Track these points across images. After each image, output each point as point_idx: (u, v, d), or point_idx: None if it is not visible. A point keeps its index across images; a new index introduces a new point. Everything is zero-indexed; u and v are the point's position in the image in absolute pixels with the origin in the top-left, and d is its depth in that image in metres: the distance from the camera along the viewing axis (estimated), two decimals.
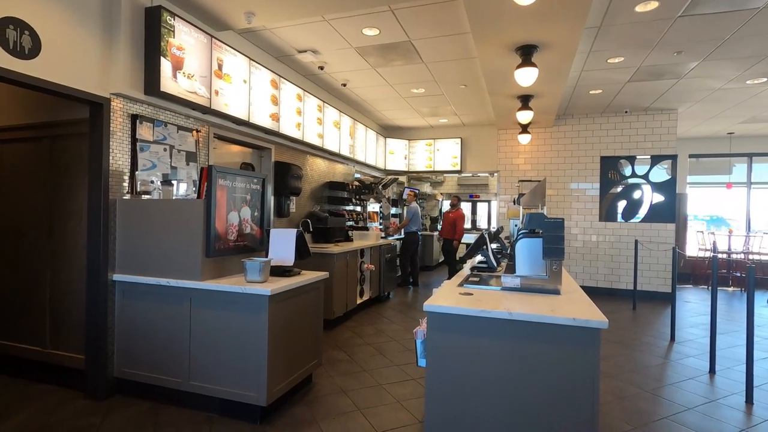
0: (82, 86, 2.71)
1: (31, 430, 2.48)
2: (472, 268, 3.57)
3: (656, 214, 6.93)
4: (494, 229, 4.39)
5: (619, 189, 7.13)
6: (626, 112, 7.01)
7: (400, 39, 4.17)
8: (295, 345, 2.87)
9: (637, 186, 7.05)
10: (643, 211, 7.02)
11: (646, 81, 5.45)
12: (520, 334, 2.03)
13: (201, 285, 2.68)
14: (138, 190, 3.07)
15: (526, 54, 3.95)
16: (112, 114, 2.90)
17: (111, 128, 2.89)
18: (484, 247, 3.35)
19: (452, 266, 7.69)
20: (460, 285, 2.75)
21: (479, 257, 3.89)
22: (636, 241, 6.26)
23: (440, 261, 10.54)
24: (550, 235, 2.46)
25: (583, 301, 2.30)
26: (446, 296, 2.38)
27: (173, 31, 3.10)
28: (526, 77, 4.01)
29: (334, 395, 3.03)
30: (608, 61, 4.77)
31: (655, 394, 3.16)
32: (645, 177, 7.01)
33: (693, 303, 6.75)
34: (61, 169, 3.13)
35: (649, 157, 6.99)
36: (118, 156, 2.95)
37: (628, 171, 7.11)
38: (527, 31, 3.56)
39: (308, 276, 3.02)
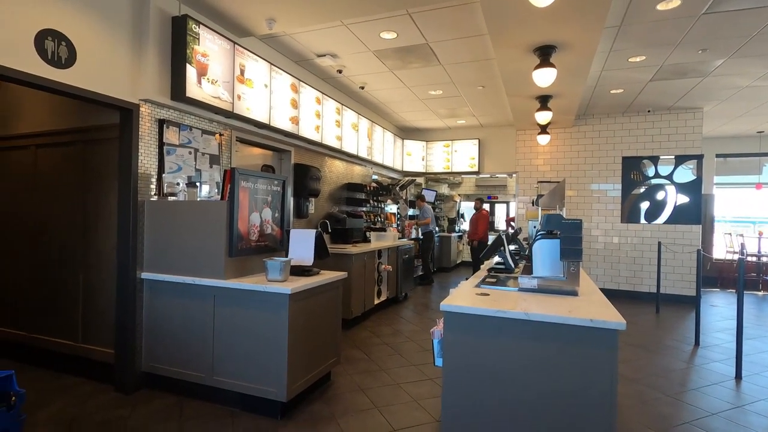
0: (113, 93, 2.84)
1: (64, 420, 2.61)
2: (490, 269, 3.57)
3: (681, 216, 6.76)
4: (511, 231, 4.38)
5: (642, 190, 6.98)
6: (649, 111, 6.87)
7: (418, 42, 4.21)
8: (314, 343, 2.93)
9: (660, 187, 6.90)
10: (666, 212, 6.86)
11: (670, 80, 5.34)
12: (537, 335, 2.04)
13: (224, 283, 2.77)
14: (165, 192, 3.19)
15: (545, 54, 3.93)
16: (140, 119, 3.03)
17: (140, 133, 3.02)
18: (502, 248, 3.36)
19: (476, 268, 7.72)
20: (477, 286, 2.76)
21: (498, 258, 3.89)
22: (659, 243, 6.12)
23: (458, 262, 10.50)
24: (568, 236, 2.45)
25: (602, 302, 2.29)
26: (463, 296, 2.40)
27: (198, 39, 3.21)
28: (544, 78, 3.99)
29: (353, 393, 3.08)
30: (629, 60, 4.70)
31: (678, 398, 3.10)
32: (669, 177, 6.85)
33: (720, 307, 6.55)
34: (93, 172, 3.28)
35: (673, 157, 6.83)
36: (146, 159, 3.08)
37: (651, 171, 6.96)
38: (545, 32, 3.55)
39: (327, 276, 3.08)
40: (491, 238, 7.71)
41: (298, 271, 3.03)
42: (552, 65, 3.92)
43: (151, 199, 3.11)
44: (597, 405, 1.92)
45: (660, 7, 3.50)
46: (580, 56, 4.05)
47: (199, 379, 2.86)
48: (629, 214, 7.04)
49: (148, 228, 3.06)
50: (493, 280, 3.04)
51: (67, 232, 3.39)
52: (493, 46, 3.89)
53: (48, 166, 3.51)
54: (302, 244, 3.12)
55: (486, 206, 10.61)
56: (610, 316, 1.96)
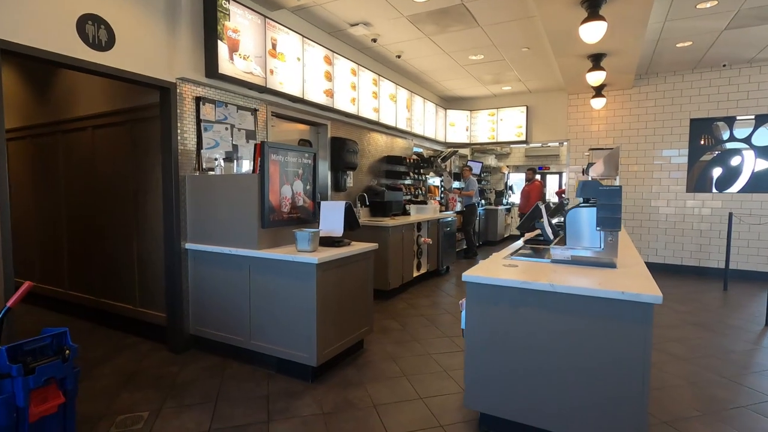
0: (151, 72, 2.98)
1: (125, 374, 2.91)
2: (527, 241, 3.43)
3: (760, 183, 6.02)
4: (555, 202, 4.14)
5: (713, 155, 6.28)
6: (724, 66, 6.08)
7: (453, 2, 3.99)
8: (344, 311, 3.00)
9: (736, 151, 6.16)
10: (742, 180, 6.14)
11: (749, 26, 4.66)
12: (564, 308, 1.93)
13: (257, 254, 2.89)
14: (203, 167, 3.35)
15: (594, 6, 3.58)
16: (178, 97, 3.16)
17: (178, 110, 3.16)
18: (540, 218, 3.19)
19: None
20: (508, 257, 2.66)
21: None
22: (730, 214, 5.52)
23: (506, 236, 10.20)
24: (606, 203, 2.27)
25: (641, 274, 2.12)
26: (489, 267, 2.32)
27: (228, 15, 3.26)
28: (592, 33, 3.64)
29: (383, 361, 3.14)
30: (697, 6, 4.15)
31: (735, 381, 2.84)
32: (747, 141, 6.10)
33: None
34: (141, 149, 3.50)
35: (753, 117, 6.04)
36: (186, 136, 3.23)
37: (725, 134, 6.23)
38: None
39: (357, 247, 3.11)
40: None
41: (329, 242, 3.09)
42: (602, 18, 3.56)
43: (192, 174, 3.28)
44: (627, 382, 1.81)
45: None
46: (636, 5, 3.63)
47: (239, 342, 3.05)
48: (697, 183, 6.39)
49: (190, 201, 3.24)
50: (528, 251, 2.91)
51: (123, 206, 3.68)
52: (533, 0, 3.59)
53: (104, 145, 3.80)
54: (332, 216, 3.16)
55: (538, 177, 10.14)
56: (644, 288, 1.81)
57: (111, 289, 3.81)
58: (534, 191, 8.31)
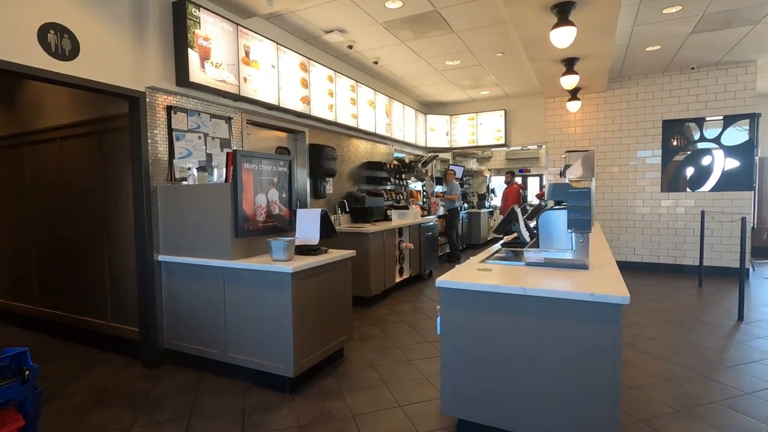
0: (119, 82, 2.92)
1: (96, 391, 2.82)
2: (503, 244, 3.45)
3: (730, 182, 6.20)
4: (531, 204, 4.19)
5: (686, 155, 6.45)
6: (693, 68, 6.27)
7: (426, 9, 4.02)
8: (322, 320, 2.97)
9: (706, 151, 6.34)
10: (713, 178, 6.31)
11: (714, 30, 4.81)
12: (535, 311, 1.94)
13: (232, 264, 2.84)
14: (176, 177, 3.28)
15: (563, 12, 3.64)
16: (148, 106, 3.10)
17: (148, 120, 3.10)
18: (516, 221, 3.21)
19: None
20: (483, 261, 2.67)
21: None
22: (702, 212, 5.67)
23: (488, 239, 10.28)
24: (576, 205, 2.30)
25: (611, 275, 2.14)
26: (463, 272, 2.33)
27: (199, 23, 3.22)
28: (562, 38, 3.71)
29: (363, 369, 3.11)
30: (664, 11, 4.27)
31: (708, 377, 2.90)
32: (716, 141, 6.28)
33: None
34: (110, 159, 3.42)
35: (721, 118, 6.23)
36: (158, 145, 3.17)
37: (696, 135, 6.40)
38: None
39: (334, 254, 3.09)
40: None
41: (305, 250, 3.05)
42: (571, 23, 3.63)
43: (164, 184, 3.21)
44: (599, 382, 1.82)
45: None
46: (604, 10, 3.72)
47: (215, 355, 2.98)
48: (671, 182, 6.55)
49: (162, 212, 3.17)
50: (503, 255, 2.93)
51: (93, 219, 3.58)
52: (505, 6, 3.65)
53: (73, 156, 3.70)
54: (308, 224, 3.13)
55: (518, 179, 10.27)
56: (613, 289, 1.83)
57: (82, 304, 3.70)
58: (512, 194, 8.44)
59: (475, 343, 2.08)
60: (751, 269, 6.47)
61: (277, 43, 4.03)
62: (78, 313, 3.73)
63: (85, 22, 2.72)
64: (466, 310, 2.10)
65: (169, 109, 3.25)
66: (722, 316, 4.27)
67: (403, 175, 6.99)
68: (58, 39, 2.58)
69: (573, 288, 1.90)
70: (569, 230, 2.31)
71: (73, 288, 3.77)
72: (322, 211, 3.15)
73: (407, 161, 7.30)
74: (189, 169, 3.36)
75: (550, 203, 2.92)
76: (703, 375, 2.93)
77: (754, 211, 6.42)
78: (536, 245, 2.67)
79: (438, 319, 2.33)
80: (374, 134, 5.98)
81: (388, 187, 6.61)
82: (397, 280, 5.52)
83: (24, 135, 4.01)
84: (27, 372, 1.82)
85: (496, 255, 2.88)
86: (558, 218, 2.40)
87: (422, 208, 7.48)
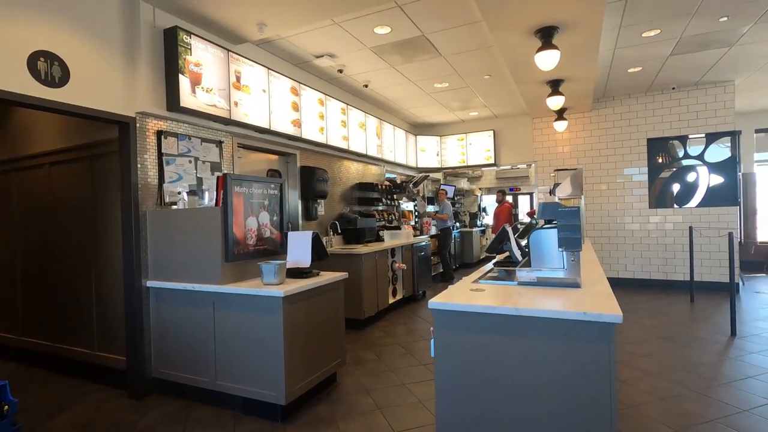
0: (109, 108, 2.93)
1: (80, 424, 2.71)
2: (496, 263, 3.45)
3: (715, 197, 6.32)
4: (523, 223, 4.21)
5: (671, 172, 6.58)
6: (674, 88, 6.46)
7: (414, 34, 4.12)
8: (314, 345, 2.91)
9: (691, 168, 6.48)
10: (699, 194, 6.43)
11: (692, 53, 4.99)
12: (529, 331, 1.93)
13: (221, 289, 2.79)
14: (166, 201, 3.26)
15: (547, 36, 3.76)
16: (138, 131, 3.10)
17: (138, 145, 3.10)
18: (508, 240, 3.22)
19: None
20: (476, 281, 2.66)
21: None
22: (690, 228, 5.75)
23: (481, 257, 10.28)
24: (566, 224, 2.31)
25: (603, 294, 2.14)
26: (456, 293, 2.31)
27: (190, 49, 3.26)
28: (547, 61, 3.81)
29: (357, 394, 3.05)
30: (643, 35, 4.42)
31: (705, 394, 2.88)
32: (700, 157, 6.43)
33: (765, 294, 6.09)
34: (100, 185, 3.40)
35: (703, 135, 6.39)
36: (148, 170, 3.16)
37: (680, 152, 6.55)
38: (542, 11, 3.39)
39: (326, 277, 3.06)
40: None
41: (296, 273, 3.02)
42: (554, 47, 3.74)
43: (153, 209, 3.19)
44: (595, 402, 1.79)
45: None
46: (586, 35, 3.84)
47: (204, 383, 2.90)
48: (657, 199, 6.65)
49: (151, 237, 3.14)
50: (495, 274, 2.92)
51: (81, 244, 3.53)
52: (490, 31, 3.76)
53: (61, 182, 3.67)
54: (299, 246, 3.11)
55: (509, 198, 10.36)
56: (606, 308, 1.83)
57: (68, 333, 3.60)
58: (503, 213, 8.50)
59: (469, 365, 2.05)
60: (741, 284, 6.53)
61: (268, 68, 4.09)
62: (62, 342, 3.62)
63: (76, 49, 2.74)
64: (460, 332, 2.08)
65: (160, 134, 3.25)
66: (715, 332, 4.27)
67: (395, 196, 7.02)
68: (48, 66, 2.59)
69: (565, 307, 1.89)
70: (560, 249, 2.32)
71: (58, 316, 3.68)
72: (313, 233, 3.13)
73: (398, 181, 7.35)
74: (179, 193, 3.34)
75: (541, 222, 2.94)
76: (699, 392, 2.91)
77: (740, 225, 6.52)
78: (528, 264, 2.68)
79: (432, 341, 2.31)
80: (365, 156, 6.03)
81: (380, 208, 6.63)
82: (391, 301, 5.47)
83: (12, 161, 3.97)
84: (6, 407, 1.75)
85: (488, 275, 2.87)
86: (549, 237, 2.42)
87: (414, 228, 7.49)
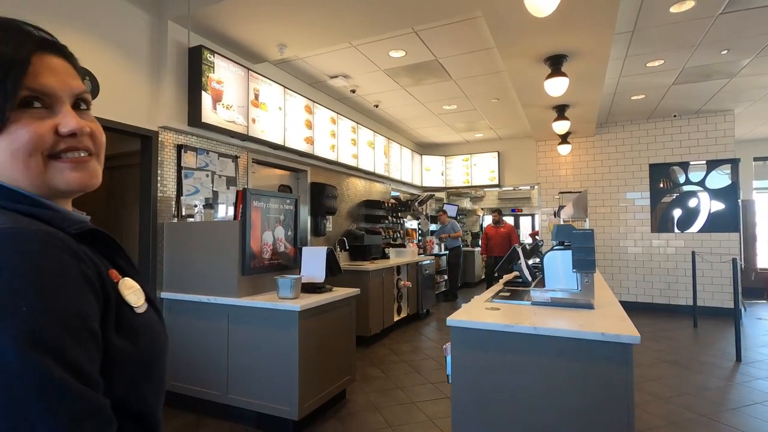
0: (134, 122, 3.01)
1: None
2: (506, 283, 3.49)
3: (716, 223, 6.41)
4: (529, 243, 4.27)
5: (673, 197, 6.68)
6: (675, 116, 6.62)
7: (427, 58, 4.26)
8: (327, 360, 2.93)
9: (692, 194, 6.58)
10: (701, 220, 6.52)
11: (694, 82, 5.15)
12: (546, 350, 1.96)
13: (237, 302, 2.82)
14: (183, 214, 3.32)
15: (556, 64, 3.89)
16: (160, 145, 3.18)
17: (159, 158, 3.17)
18: (518, 260, 3.28)
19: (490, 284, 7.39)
20: (490, 300, 2.70)
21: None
22: (693, 253, 5.81)
23: (482, 278, 10.28)
24: (580, 246, 2.37)
25: (617, 315, 2.19)
26: (471, 311, 2.35)
27: (213, 67, 3.37)
28: (556, 88, 3.94)
29: (367, 412, 3.04)
30: (647, 65, 4.58)
31: (714, 419, 2.89)
32: (701, 184, 6.54)
33: (767, 320, 6.11)
34: (117, 197, 3.46)
35: (704, 162, 6.53)
36: (166, 183, 3.22)
37: (681, 178, 6.67)
38: (553, 41, 3.53)
39: (339, 292, 3.09)
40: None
41: (310, 288, 3.06)
42: (563, 74, 3.87)
43: (171, 221, 3.24)
44: (612, 423, 1.82)
45: (673, 9, 3.42)
46: (593, 64, 3.98)
47: (216, 397, 2.90)
48: (660, 223, 6.74)
49: (167, 249, 3.18)
50: (507, 294, 2.96)
51: None
52: (501, 58, 3.89)
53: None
54: (314, 262, 3.16)
55: (508, 220, 10.40)
56: (623, 329, 1.87)
57: None
58: (514, 232, 7.64)
59: (487, 382, 2.07)
60: (743, 309, 6.56)
61: (285, 87, 4.20)
62: None
63: (106, 65, 2.84)
64: (477, 350, 2.11)
65: (180, 148, 3.33)
66: (720, 357, 4.29)
67: (399, 214, 7.09)
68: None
69: (583, 327, 1.93)
70: (574, 270, 2.37)
71: None
72: (328, 249, 3.18)
73: (403, 200, 7.43)
74: (195, 206, 3.40)
75: (548, 240, 3.00)
76: (709, 417, 2.92)
77: (741, 252, 6.59)
78: (540, 284, 2.73)
79: (447, 358, 2.33)
80: (373, 173, 6.12)
81: (385, 225, 6.68)
82: (396, 318, 5.48)
83: None
84: None
85: (500, 294, 2.92)
86: (562, 258, 2.47)
87: (418, 246, 7.53)
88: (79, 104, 0.61)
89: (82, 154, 0.60)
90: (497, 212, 7.91)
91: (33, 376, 0.41)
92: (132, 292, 0.59)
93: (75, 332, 0.46)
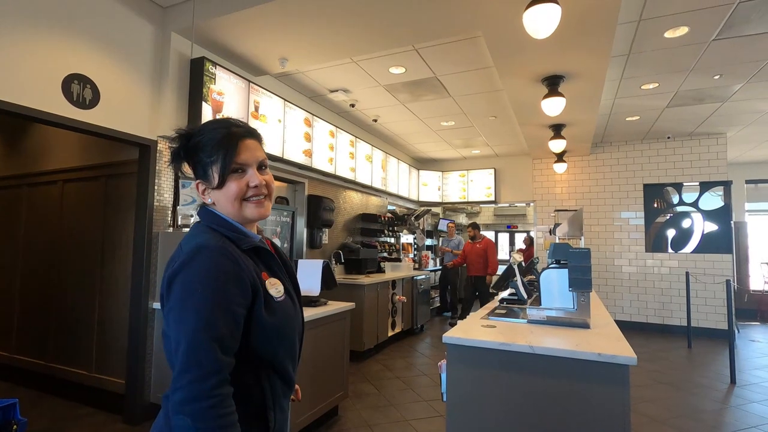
0: (133, 130, 3.01)
1: None
2: (501, 300, 3.48)
3: (710, 244, 6.45)
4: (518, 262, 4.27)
5: (667, 218, 6.74)
6: (669, 137, 6.73)
7: (426, 75, 4.32)
8: (319, 375, 2.89)
9: (686, 214, 6.64)
10: (694, 240, 6.57)
11: (687, 105, 5.25)
12: (543, 370, 1.95)
13: None
14: (179, 223, 3.29)
15: (553, 84, 3.96)
16: (158, 154, 3.18)
17: (157, 167, 3.17)
18: (513, 278, 3.27)
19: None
20: (485, 317, 2.69)
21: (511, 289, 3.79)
22: (687, 274, 5.84)
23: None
24: (576, 265, 2.38)
25: (613, 335, 2.18)
26: (468, 328, 2.33)
27: (214, 78, 3.39)
28: (553, 107, 4.00)
29: (359, 429, 2.99)
30: (642, 87, 4.67)
31: None
32: (694, 205, 6.61)
33: (761, 342, 6.12)
34: (112, 205, 3.43)
35: (698, 183, 6.61)
36: (163, 192, 3.21)
37: (675, 199, 6.74)
38: (551, 62, 3.59)
39: (334, 306, 3.07)
40: (501, 269, 7.36)
41: (305, 301, 3.03)
42: (560, 94, 3.93)
43: (166, 230, 3.21)
44: None
45: (668, 35, 3.50)
46: (590, 85, 4.05)
47: None
48: (654, 243, 6.78)
49: (162, 258, 3.15)
50: (503, 311, 2.95)
51: (89, 262, 3.52)
52: (500, 77, 3.95)
53: (73, 200, 3.70)
54: (309, 274, 3.13)
55: (486, 234, 10.24)
56: (620, 350, 1.87)
57: (64, 353, 3.53)
58: (491, 248, 6.55)
59: (482, 400, 2.05)
60: (736, 331, 6.57)
61: (285, 100, 4.23)
62: (58, 362, 3.54)
63: (108, 74, 2.86)
64: (473, 367, 2.09)
65: None
66: (715, 379, 4.28)
67: (396, 228, 7.08)
68: (80, 88, 2.69)
69: (579, 347, 1.92)
70: (570, 289, 2.37)
71: (56, 335, 3.61)
72: (324, 262, 3.16)
73: (399, 214, 7.44)
74: (191, 216, 3.38)
75: (544, 257, 3.00)
76: None
77: (734, 273, 6.63)
78: (536, 302, 2.72)
79: (442, 376, 2.31)
80: (370, 187, 6.14)
81: (381, 239, 6.67)
82: (390, 333, 5.43)
83: (25, 176, 4.01)
84: (15, 426, 1.72)
85: (496, 311, 2.90)
86: (558, 277, 2.47)
87: (414, 261, 7.51)
88: (261, 166, 1.00)
89: (261, 198, 0.98)
90: (472, 227, 6.74)
91: (196, 339, 0.82)
92: (273, 286, 0.96)
93: (225, 314, 0.85)
